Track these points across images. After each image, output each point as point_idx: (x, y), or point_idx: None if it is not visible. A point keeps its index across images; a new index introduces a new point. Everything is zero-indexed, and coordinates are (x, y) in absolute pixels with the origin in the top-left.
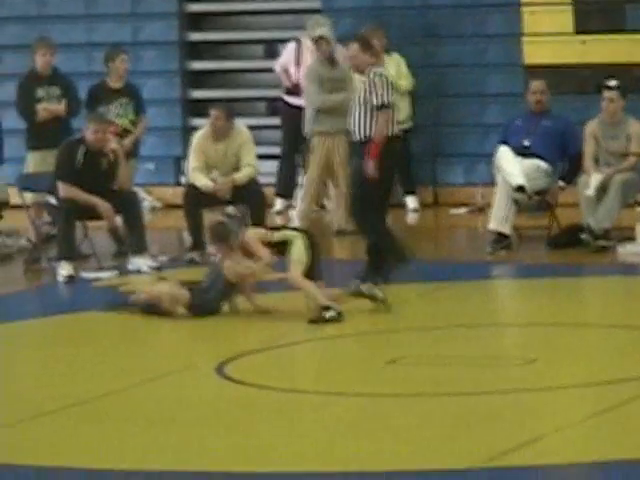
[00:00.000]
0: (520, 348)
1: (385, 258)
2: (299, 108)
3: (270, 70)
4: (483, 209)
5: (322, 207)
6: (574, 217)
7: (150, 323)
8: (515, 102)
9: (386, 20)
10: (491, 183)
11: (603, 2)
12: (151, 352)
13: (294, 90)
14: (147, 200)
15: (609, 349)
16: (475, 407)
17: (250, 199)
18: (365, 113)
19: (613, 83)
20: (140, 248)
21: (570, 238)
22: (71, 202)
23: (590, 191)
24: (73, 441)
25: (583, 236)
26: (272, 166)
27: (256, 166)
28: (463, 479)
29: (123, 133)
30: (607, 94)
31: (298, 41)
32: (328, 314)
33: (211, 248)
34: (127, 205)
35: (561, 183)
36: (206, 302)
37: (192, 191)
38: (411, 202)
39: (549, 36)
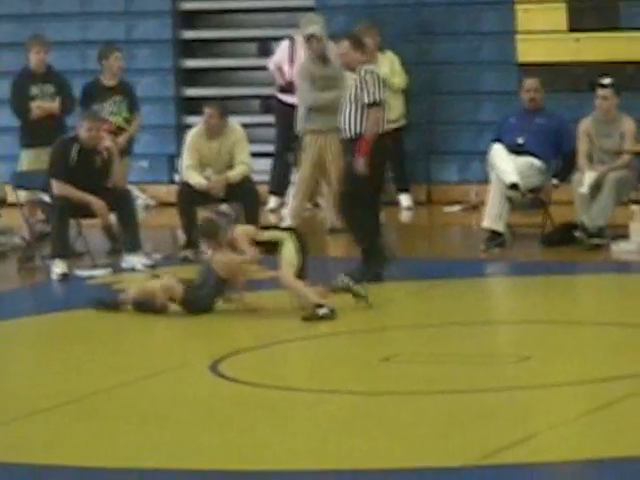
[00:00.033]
0: (514, 346)
1: (367, 257)
2: (293, 106)
3: (264, 68)
4: (477, 207)
5: (316, 205)
6: (568, 215)
7: (144, 321)
8: (509, 100)
9: (380, 18)
10: (485, 181)
11: (597, 0)
12: (145, 350)
13: (288, 88)
14: (141, 198)
15: (603, 347)
16: (469, 405)
17: (244, 197)
18: (356, 110)
19: (607, 81)
20: (134, 246)
21: (564, 236)
22: (65, 200)
23: (584, 189)
24: (67, 439)
25: (577, 234)
26: (266, 164)
27: (250, 164)
28: (457, 477)
29: (117, 131)
30: (601, 92)
31: (292, 39)
32: (321, 311)
33: (202, 245)
34: (121, 203)
35: (555, 181)
36: (199, 299)
37: (186, 189)
38: (405, 200)
39: (543, 34)
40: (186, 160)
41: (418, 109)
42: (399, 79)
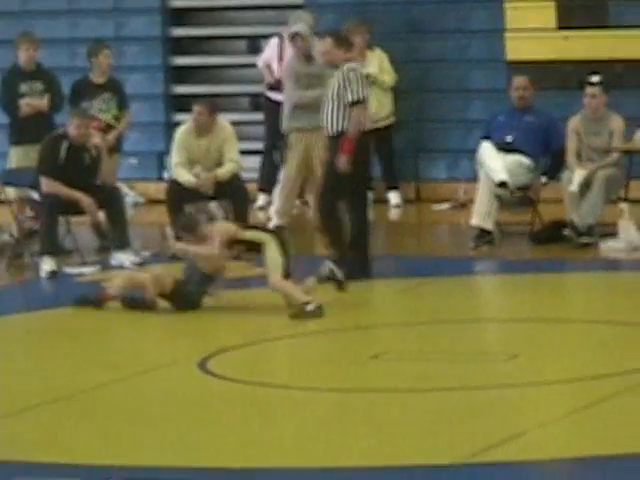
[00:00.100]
0: (503, 344)
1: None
2: (282, 104)
3: (253, 66)
4: (466, 205)
5: (305, 203)
6: (557, 213)
7: (133, 318)
8: (498, 98)
9: (369, 15)
10: (474, 179)
11: None
12: (134, 347)
13: (277, 86)
14: (130, 195)
15: (591, 344)
16: (458, 402)
17: (233, 194)
18: (338, 108)
19: (596, 79)
20: (123, 243)
21: (552, 234)
22: (54, 197)
23: (574, 187)
24: (56, 436)
25: (566, 232)
26: (255, 161)
27: (239, 162)
28: (446, 475)
29: (106, 128)
30: (589, 90)
31: (281, 37)
32: (308, 307)
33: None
34: (110, 200)
35: (543, 179)
36: (186, 294)
37: (175, 186)
38: (394, 198)
39: (532, 32)
40: (175, 157)
41: (407, 107)
42: (388, 77)
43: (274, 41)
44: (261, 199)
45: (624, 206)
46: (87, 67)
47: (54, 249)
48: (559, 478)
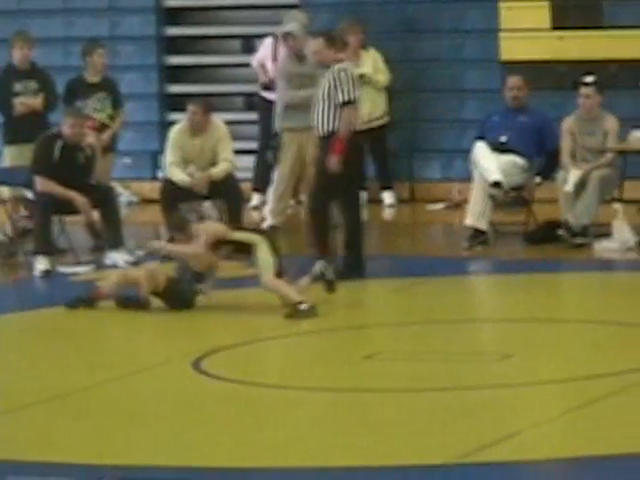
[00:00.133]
0: (497, 344)
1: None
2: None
3: (247, 65)
4: (460, 205)
5: (299, 202)
6: (551, 213)
7: (127, 317)
8: (492, 98)
9: (364, 15)
10: (468, 179)
11: None
12: (127, 347)
13: (271, 85)
14: (124, 195)
15: (585, 345)
16: (451, 402)
17: (227, 194)
18: (329, 108)
19: (590, 79)
20: (117, 243)
21: (547, 234)
22: (48, 196)
23: (569, 187)
24: (50, 435)
25: (560, 232)
26: (249, 161)
27: (233, 161)
28: (439, 474)
29: (101, 127)
30: (584, 90)
31: (275, 36)
32: (302, 307)
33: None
34: (104, 200)
35: (538, 179)
36: (180, 293)
37: (169, 186)
38: (388, 197)
39: (526, 32)
40: (169, 157)
41: (401, 106)
42: (383, 76)
43: (268, 41)
44: (255, 199)
45: (618, 206)
46: (82, 66)
47: (48, 248)
48: (553, 478)
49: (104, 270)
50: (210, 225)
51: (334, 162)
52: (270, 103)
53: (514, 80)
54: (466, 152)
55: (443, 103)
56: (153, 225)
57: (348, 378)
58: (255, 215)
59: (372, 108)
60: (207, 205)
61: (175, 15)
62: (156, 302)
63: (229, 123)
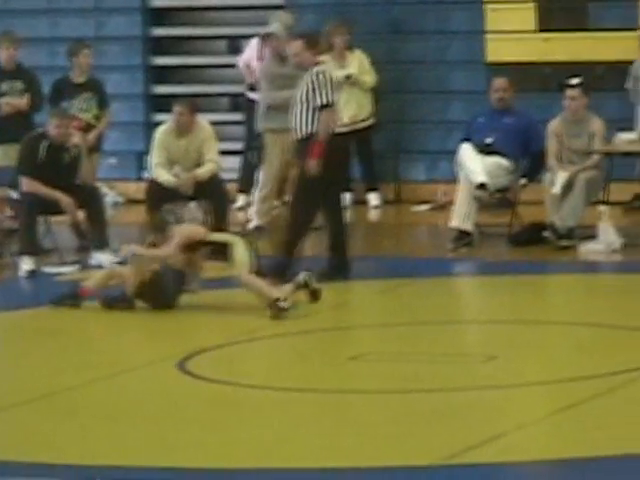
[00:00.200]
0: (482, 345)
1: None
2: None
3: (233, 66)
4: (445, 206)
5: (285, 203)
6: (536, 214)
7: (112, 317)
8: (478, 99)
9: (350, 16)
10: (453, 180)
11: (566, 0)
12: (113, 347)
13: (257, 86)
14: (109, 195)
15: (571, 347)
16: (437, 404)
17: (212, 195)
18: (307, 111)
19: (575, 81)
20: (102, 243)
21: (532, 236)
22: (33, 196)
23: (556, 189)
24: (35, 435)
25: (546, 234)
26: (235, 162)
27: (218, 162)
28: (424, 476)
29: (87, 128)
30: (569, 92)
31: (261, 37)
32: (281, 303)
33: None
34: (89, 200)
35: (523, 181)
36: (163, 293)
37: (154, 186)
38: (373, 199)
39: (512, 34)
40: (155, 157)
41: (387, 108)
42: (369, 78)
43: (254, 41)
44: (241, 200)
45: (604, 208)
46: (67, 66)
47: (33, 248)
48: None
49: (89, 270)
50: (186, 227)
51: (313, 165)
52: (256, 104)
53: (500, 82)
54: (452, 153)
55: (429, 104)
56: (138, 226)
57: (333, 379)
58: (241, 216)
59: (358, 109)
60: (192, 206)
61: (161, 16)
62: (140, 302)
63: (215, 124)
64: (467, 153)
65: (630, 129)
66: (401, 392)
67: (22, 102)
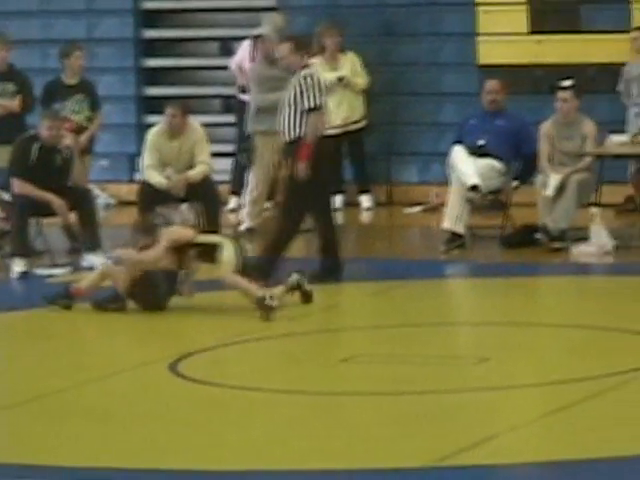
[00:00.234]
0: (473, 347)
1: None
2: None
3: (225, 68)
4: (437, 208)
5: (275, 205)
6: (528, 217)
7: (103, 319)
8: (470, 101)
9: (342, 18)
10: (446, 182)
11: (558, 2)
12: (105, 349)
13: (247, 88)
14: (101, 197)
15: (562, 349)
16: (428, 406)
17: (204, 197)
18: (295, 113)
19: (567, 83)
20: (94, 245)
21: (524, 238)
22: (25, 198)
23: (549, 191)
24: (27, 437)
25: (538, 236)
26: (226, 164)
27: (210, 164)
28: (416, 478)
29: (79, 129)
30: (561, 94)
31: (253, 39)
32: (269, 302)
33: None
34: (81, 202)
35: (515, 183)
36: (153, 294)
37: (146, 188)
38: (365, 201)
39: (504, 36)
40: (146, 159)
41: (379, 110)
42: (361, 80)
43: (246, 43)
44: (233, 201)
45: (596, 210)
46: (59, 68)
47: (25, 250)
48: None
49: (81, 272)
50: (175, 229)
51: (301, 168)
52: (247, 106)
53: (492, 84)
54: (444, 155)
55: (421, 106)
56: (130, 227)
57: (325, 381)
58: (232, 218)
59: (350, 111)
60: (184, 208)
61: (153, 17)
62: (131, 303)
63: (207, 126)
64: (459, 155)
65: (622, 131)
66: (393, 394)
67: (14, 104)
